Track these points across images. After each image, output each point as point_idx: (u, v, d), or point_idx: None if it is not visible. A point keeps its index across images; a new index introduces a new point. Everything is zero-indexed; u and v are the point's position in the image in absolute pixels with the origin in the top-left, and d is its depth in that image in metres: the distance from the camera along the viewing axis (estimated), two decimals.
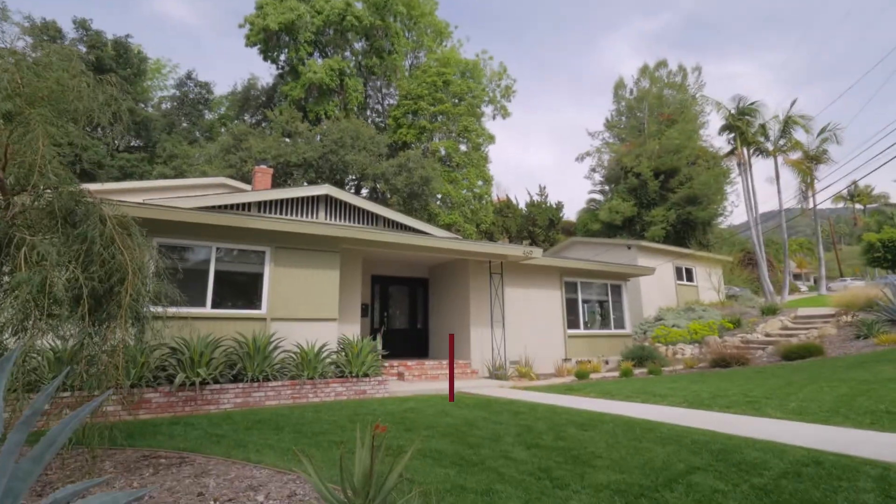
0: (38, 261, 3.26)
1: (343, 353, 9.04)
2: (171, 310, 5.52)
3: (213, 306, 8.49)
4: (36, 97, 3.52)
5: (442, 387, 9.62)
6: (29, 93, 3.46)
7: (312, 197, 11.90)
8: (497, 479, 3.95)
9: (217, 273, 8.62)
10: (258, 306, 8.85)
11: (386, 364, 10.88)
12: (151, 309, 4.71)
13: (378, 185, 24.15)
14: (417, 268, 14.09)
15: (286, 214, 11.49)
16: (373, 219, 12.70)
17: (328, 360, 8.80)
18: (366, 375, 8.95)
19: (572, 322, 13.88)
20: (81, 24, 30.06)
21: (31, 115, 3.34)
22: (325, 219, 11.80)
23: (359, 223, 12.34)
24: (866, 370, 8.39)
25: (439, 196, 26.45)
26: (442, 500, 3.52)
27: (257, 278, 8.96)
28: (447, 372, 11.22)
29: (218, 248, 8.67)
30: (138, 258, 4.23)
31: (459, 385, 9.91)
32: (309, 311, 9.24)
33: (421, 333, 14.05)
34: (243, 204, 10.81)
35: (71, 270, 3.73)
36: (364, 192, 27.79)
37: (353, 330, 10.57)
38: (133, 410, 6.85)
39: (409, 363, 11.17)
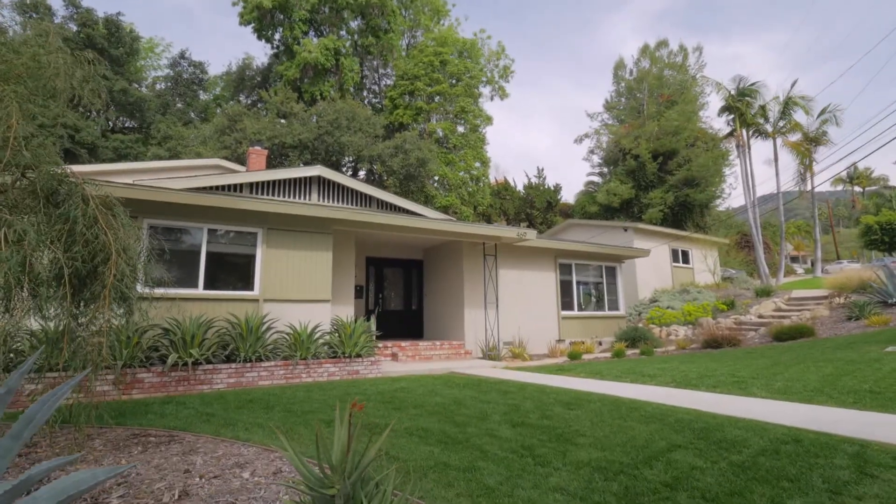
0: (17, 240, 3.24)
1: (336, 334, 9.10)
2: (162, 291, 5.53)
3: (206, 287, 8.50)
4: (11, 74, 3.46)
5: (435, 367, 9.71)
6: (3, 69, 3.40)
7: (305, 178, 11.82)
8: (480, 456, 4.01)
9: (209, 254, 8.62)
10: (251, 287, 8.87)
11: (380, 345, 10.96)
12: (140, 290, 4.71)
13: (374, 167, 24.00)
14: (412, 249, 14.09)
15: (279, 196, 11.43)
16: (366, 200, 12.65)
17: (321, 341, 8.85)
18: (359, 356, 9.02)
19: (566, 304, 13.95)
20: (71, 2, 29.46)
21: (4, 91, 3.29)
22: (319, 200, 11.74)
23: (352, 205, 12.29)
24: (854, 350, 8.46)
25: (436, 178, 26.32)
26: (424, 476, 3.58)
27: (250, 260, 8.96)
28: (441, 352, 11.30)
29: (210, 230, 8.65)
30: (123, 238, 4.21)
31: (452, 365, 9.99)
32: (302, 293, 9.26)
33: (415, 314, 14.12)
34: (236, 185, 10.74)
35: (52, 251, 3.72)
36: (361, 174, 27.65)
37: (347, 311, 10.61)
38: (125, 391, 6.91)
39: (403, 344, 11.25)
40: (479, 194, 28.90)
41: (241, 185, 10.85)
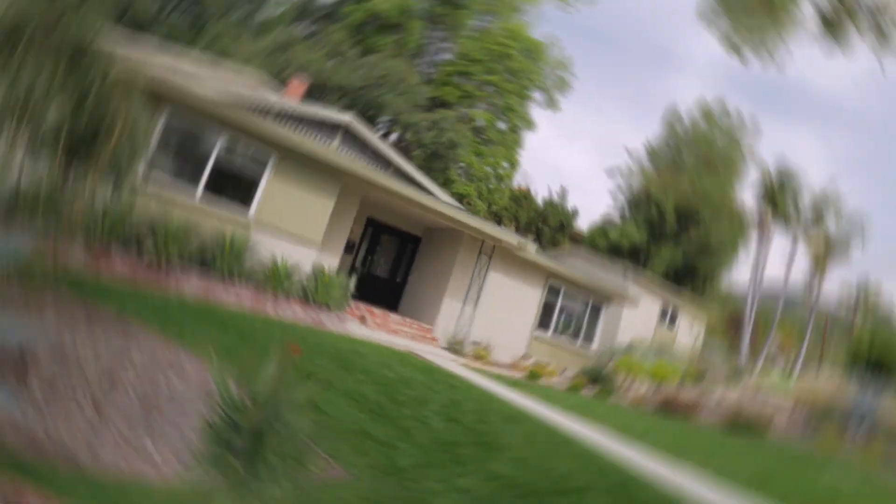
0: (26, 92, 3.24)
1: (314, 280, 9.13)
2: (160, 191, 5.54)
3: (204, 198, 8.50)
4: None
5: (398, 342, 9.76)
6: None
7: (331, 123, 11.72)
8: (404, 437, 4.06)
9: (215, 167, 8.60)
10: (247, 210, 8.87)
11: (353, 305, 11.02)
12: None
13: (407, 135, 23.87)
14: (414, 224, 14.07)
15: (301, 132, 11.36)
16: (384, 163, 12.59)
17: (296, 280, 8.89)
18: (327, 306, 9.06)
19: (543, 323, 13.98)
20: None
21: None
22: (339, 149, 11.68)
23: (370, 163, 12.23)
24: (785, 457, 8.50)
25: (462, 164, 26.19)
26: (344, 438, 3.62)
27: (253, 182, 8.95)
28: (409, 330, 11.35)
29: (224, 142, 8.62)
30: (132, 117, 4.20)
31: (415, 346, 10.05)
32: (294, 228, 9.27)
33: (397, 287, 14.15)
34: (265, 107, 10.66)
35: (58, 113, 3.71)
36: (392, 137, 27.50)
37: (332, 262, 10.63)
38: (95, 265, 6.95)
39: (375, 311, 11.29)
40: (498, 194, 28.77)
41: (271, 108, 10.77)
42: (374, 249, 13.82)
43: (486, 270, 12.36)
